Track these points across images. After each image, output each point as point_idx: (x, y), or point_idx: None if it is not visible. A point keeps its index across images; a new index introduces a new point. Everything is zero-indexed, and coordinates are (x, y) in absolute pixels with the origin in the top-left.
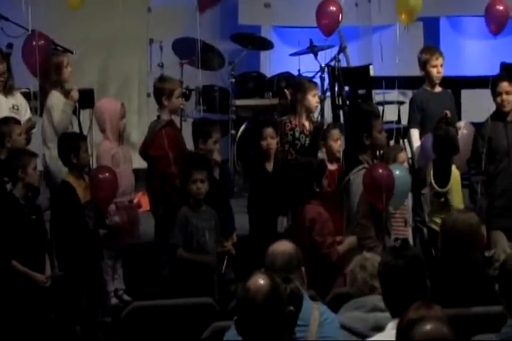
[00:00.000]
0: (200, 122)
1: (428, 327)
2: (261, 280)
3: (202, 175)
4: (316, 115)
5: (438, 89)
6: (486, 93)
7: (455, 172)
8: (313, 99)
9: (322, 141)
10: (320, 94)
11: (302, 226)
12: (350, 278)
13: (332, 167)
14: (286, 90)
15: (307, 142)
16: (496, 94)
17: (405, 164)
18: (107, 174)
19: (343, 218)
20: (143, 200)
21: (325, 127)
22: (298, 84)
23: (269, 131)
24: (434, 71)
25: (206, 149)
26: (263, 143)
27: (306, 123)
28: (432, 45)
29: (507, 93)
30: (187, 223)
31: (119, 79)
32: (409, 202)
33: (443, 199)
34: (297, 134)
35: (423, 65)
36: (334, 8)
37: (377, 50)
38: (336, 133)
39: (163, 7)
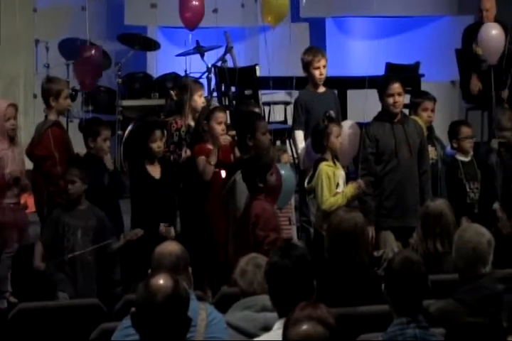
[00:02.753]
0: (89, 121)
1: (304, 327)
2: (163, 280)
3: (72, 176)
4: None
5: (322, 89)
6: (372, 93)
7: (323, 169)
8: (199, 99)
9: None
10: (207, 94)
11: (248, 221)
12: (239, 277)
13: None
14: (171, 91)
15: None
16: (387, 95)
17: (287, 165)
18: None
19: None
20: (29, 201)
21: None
22: (183, 84)
23: (159, 133)
24: (316, 73)
25: (96, 147)
26: (153, 146)
27: (193, 124)
28: (315, 46)
29: (399, 94)
30: (57, 221)
31: (4, 80)
32: (292, 201)
33: (312, 196)
34: (183, 135)
35: (306, 65)
36: (197, 3)
37: (263, 51)
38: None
39: (48, 7)
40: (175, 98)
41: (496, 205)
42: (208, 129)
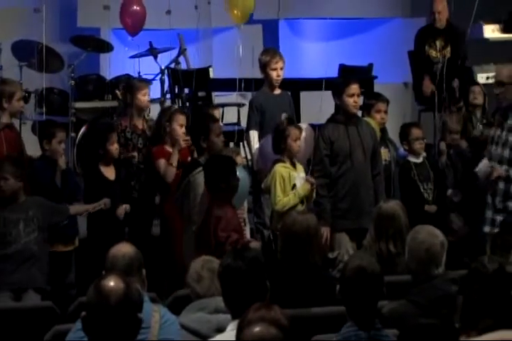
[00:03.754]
0: (45, 123)
1: (257, 328)
2: (114, 282)
3: (4, 173)
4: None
5: (277, 91)
6: (325, 95)
7: (278, 170)
8: (143, 98)
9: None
10: (160, 96)
11: (209, 222)
12: (192, 279)
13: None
14: (117, 91)
15: (140, 142)
16: (348, 95)
17: (241, 166)
18: None
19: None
20: None
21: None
22: (127, 84)
23: (116, 135)
24: (273, 74)
25: (51, 149)
26: (111, 148)
27: (139, 123)
28: (273, 48)
29: (358, 95)
30: None
31: None
32: (245, 202)
33: (268, 196)
34: (129, 135)
35: (263, 67)
36: (138, 8)
37: (217, 52)
38: None
39: (1, 9)
40: (120, 98)
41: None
42: (169, 131)
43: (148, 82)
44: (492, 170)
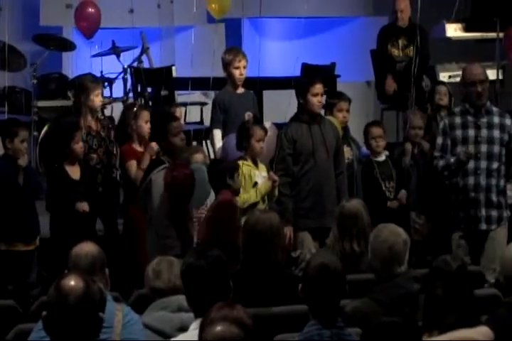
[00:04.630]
0: (7, 122)
1: (219, 327)
2: (74, 281)
3: None
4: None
5: (241, 90)
6: (288, 94)
7: (245, 170)
8: (96, 98)
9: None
10: (123, 95)
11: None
12: (154, 278)
13: None
14: (69, 92)
15: (95, 143)
16: (313, 94)
17: (202, 165)
18: None
19: None
20: None
21: None
22: (80, 84)
23: (80, 134)
24: (236, 72)
25: (13, 148)
26: (76, 147)
27: (93, 124)
28: (236, 47)
29: (321, 94)
30: None
31: None
32: (210, 201)
33: None
34: (84, 136)
35: (226, 65)
36: (93, 10)
37: (180, 51)
38: None
39: None
40: (72, 99)
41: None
42: (135, 128)
43: (100, 82)
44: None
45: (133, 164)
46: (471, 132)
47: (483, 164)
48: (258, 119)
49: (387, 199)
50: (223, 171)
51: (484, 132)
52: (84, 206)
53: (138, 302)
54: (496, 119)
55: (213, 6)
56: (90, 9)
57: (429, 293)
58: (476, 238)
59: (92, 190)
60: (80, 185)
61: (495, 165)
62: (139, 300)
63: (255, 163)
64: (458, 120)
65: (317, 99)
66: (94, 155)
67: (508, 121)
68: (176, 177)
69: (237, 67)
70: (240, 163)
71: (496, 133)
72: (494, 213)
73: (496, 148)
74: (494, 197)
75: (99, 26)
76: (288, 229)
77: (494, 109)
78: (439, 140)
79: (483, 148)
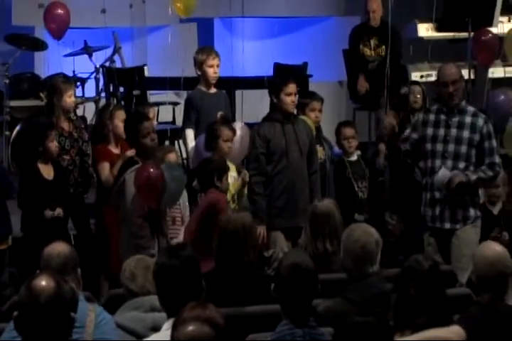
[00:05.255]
0: None
1: (191, 327)
2: (45, 281)
3: None
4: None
5: (213, 90)
6: (260, 94)
7: None
8: (69, 99)
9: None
10: (95, 95)
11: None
12: (127, 277)
13: None
14: (41, 93)
15: (67, 144)
16: (286, 94)
17: (175, 165)
18: None
19: None
20: None
21: None
22: (52, 86)
23: (54, 133)
24: (210, 71)
25: None
26: (51, 145)
27: (65, 125)
28: (209, 46)
29: (295, 94)
30: None
31: None
32: (181, 200)
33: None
34: (56, 137)
35: (199, 64)
36: (62, 11)
37: (152, 51)
38: None
39: None
40: (44, 100)
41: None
42: (111, 128)
43: (73, 83)
44: (453, 176)
45: (105, 166)
46: (442, 131)
47: (449, 163)
48: (227, 119)
49: (360, 199)
50: (211, 172)
51: (454, 132)
52: (56, 211)
53: (110, 302)
54: (468, 119)
55: (178, 5)
56: (59, 10)
57: (401, 292)
58: (442, 237)
59: (64, 191)
60: (52, 185)
61: (461, 165)
62: (112, 300)
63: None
64: (432, 117)
65: (290, 98)
66: (67, 156)
67: (480, 121)
68: (145, 178)
69: (211, 66)
70: None
71: (466, 133)
72: (460, 212)
73: (464, 148)
74: (459, 196)
75: (68, 27)
76: (261, 228)
77: (469, 108)
78: (407, 131)
79: (451, 147)
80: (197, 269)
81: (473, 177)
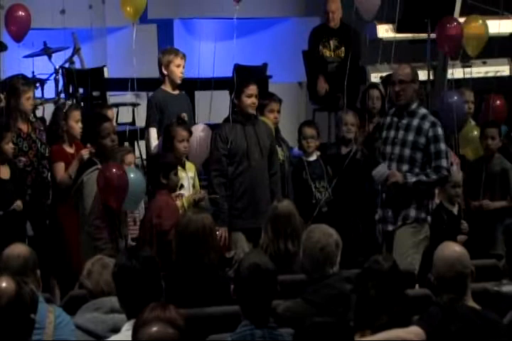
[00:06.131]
0: None
1: (152, 328)
2: (5, 283)
3: None
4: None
5: (176, 91)
6: (221, 95)
7: None
8: (27, 102)
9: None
10: (55, 96)
11: (150, 214)
12: (86, 278)
13: None
14: (0, 94)
15: (25, 145)
16: (247, 95)
17: (132, 165)
18: None
19: None
20: None
21: None
22: (11, 87)
23: (11, 134)
24: (178, 71)
25: None
26: (6, 147)
27: (24, 126)
28: (173, 47)
29: (256, 96)
30: None
31: None
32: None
33: None
34: (14, 139)
35: (166, 64)
36: (23, 14)
37: (112, 52)
38: None
39: None
40: (3, 101)
41: None
42: (66, 129)
43: (32, 85)
44: (389, 174)
45: (60, 166)
46: (392, 133)
47: (393, 166)
48: (183, 120)
49: (317, 199)
50: (156, 169)
51: (401, 134)
52: (16, 203)
53: (70, 303)
54: (415, 122)
55: (128, 8)
56: (20, 13)
57: (361, 293)
58: (388, 238)
59: (22, 191)
60: (9, 184)
61: (405, 168)
62: (71, 301)
63: (182, 164)
64: (388, 120)
65: (251, 99)
66: (24, 158)
67: (426, 125)
68: (108, 176)
69: (178, 66)
70: None
71: (411, 136)
72: (402, 213)
73: (407, 151)
74: (401, 198)
75: (29, 29)
76: (222, 229)
77: (420, 111)
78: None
79: (396, 150)
80: (156, 270)
81: (412, 179)
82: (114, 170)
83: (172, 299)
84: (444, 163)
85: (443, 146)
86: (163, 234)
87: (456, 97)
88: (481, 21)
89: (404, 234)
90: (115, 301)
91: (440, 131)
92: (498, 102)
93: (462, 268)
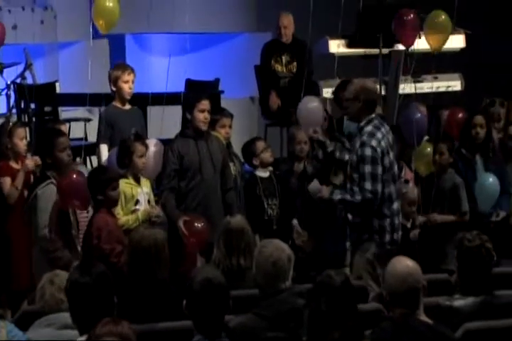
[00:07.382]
0: None
1: None
2: None
3: None
4: None
5: (127, 106)
6: (173, 110)
7: (126, 189)
8: None
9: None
10: (6, 111)
11: (91, 234)
12: (40, 294)
13: None
14: None
15: None
16: (199, 110)
17: None
18: None
19: None
20: None
21: None
22: None
23: None
24: (126, 87)
25: None
26: None
27: None
28: (123, 62)
29: (208, 111)
30: None
31: None
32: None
33: None
34: None
35: (115, 80)
36: None
37: (63, 67)
38: None
39: None
40: None
41: (295, 221)
42: (10, 147)
43: None
44: (319, 189)
45: (7, 180)
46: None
47: (348, 184)
48: (139, 135)
49: (269, 216)
50: (92, 185)
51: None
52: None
53: (22, 319)
54: (357, 140)
55: (101, 22)
56: None
57: (313, 308)
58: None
59: None
60: None
61: (348, 186)
62: (23, 317)
63: (137, 180)
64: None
65: (203, 115)
66: None
67: (357, 144)
68: (70, 181)
69: (126, 82)
70: (121, 182)
71: (348, 155)
72: (353, 234)
73: (348, 170)
74: (350, 217)
75: (3, 43)
76: (181, 218)
77: (365, 129)
78: None
79: (348, 168)
80: (109, 286)
81: (337, 197)
82: (74, 175)
83: (124, 314)
84: (367, 185)
85: (367, 168)
86: (105, 257)
87: (418, 114)
88: (443, 16)
89: (355, 258)
90: (68, 317)
91: (368, 151)
92: (460, 115)
93: (414, 282)
